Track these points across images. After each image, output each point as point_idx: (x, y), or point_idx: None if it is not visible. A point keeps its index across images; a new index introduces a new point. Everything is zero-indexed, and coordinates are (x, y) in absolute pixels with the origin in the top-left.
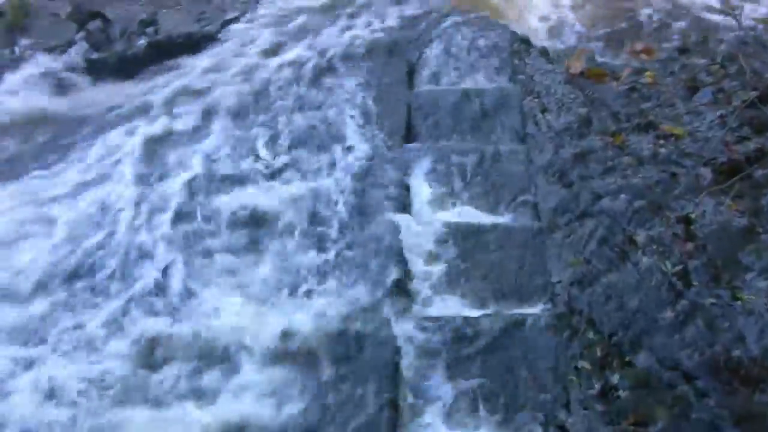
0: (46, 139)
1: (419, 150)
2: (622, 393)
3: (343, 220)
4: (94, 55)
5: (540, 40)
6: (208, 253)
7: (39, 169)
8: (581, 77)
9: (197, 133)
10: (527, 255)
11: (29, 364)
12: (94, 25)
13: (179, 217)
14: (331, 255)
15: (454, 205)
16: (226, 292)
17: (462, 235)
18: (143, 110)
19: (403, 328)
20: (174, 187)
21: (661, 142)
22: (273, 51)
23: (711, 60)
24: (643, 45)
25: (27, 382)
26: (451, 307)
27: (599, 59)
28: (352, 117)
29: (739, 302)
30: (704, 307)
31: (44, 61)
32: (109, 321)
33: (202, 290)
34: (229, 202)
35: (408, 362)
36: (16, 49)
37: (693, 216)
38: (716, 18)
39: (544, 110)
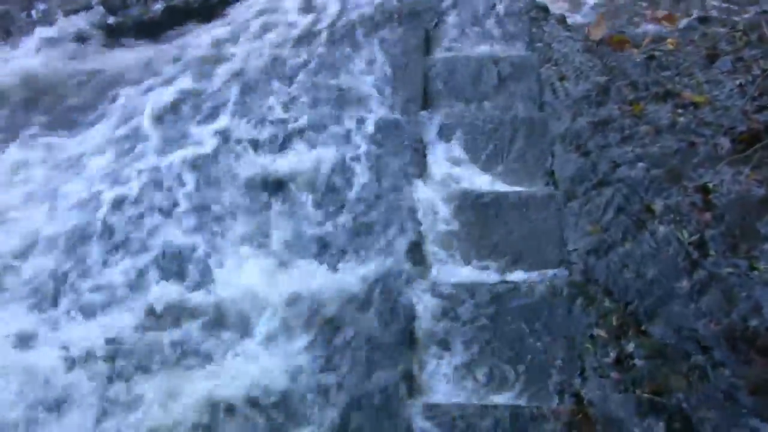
0: (64, 102)
1: (436, 117)
2: (637, 362)
3: (360, 186)
4: (111, 20)
5: (558, 7)
6: (225, 217)
7: (59, 130)
8: (601, 44)
9: (214, 96)
10: (544, 223)
11: (47, 325)
12: None
13: (197, 180)
14: (347, 220)
15: (470, 172)
16: (243, 255)
17: (479, 202)
18: (160, 73)
19: (418, 294)
20: (191, 151)
21: (680, 111)
22: (290, 17)
23: (732, 28)
24: (665, 12)
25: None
26: (467, 273)
27: (619, 26)
28: (369, 83)
29: (756, 272)
30: (721, 276)
31: (61, 25)
32: (126, 283)
33: (220, 253)
34: (246, 165)
35: (423, 327)
36: (33, 13)
37: (711, 185)
38: None
39: (561, 78)
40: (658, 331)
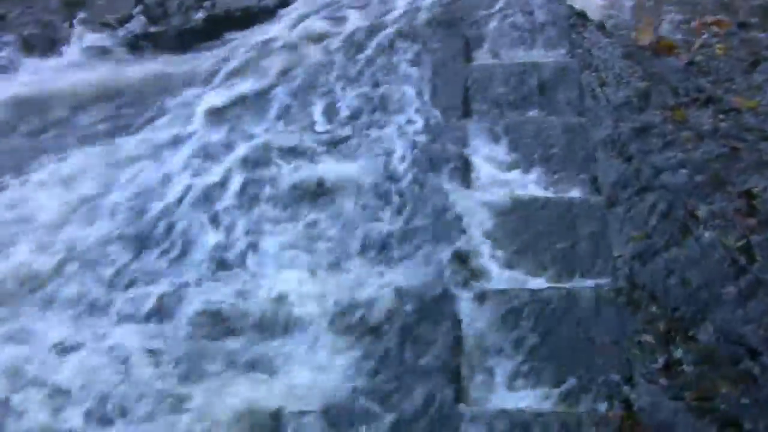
0: (105, 112)
1: (477, 124)
2: (686, 367)
3: (403, 193)
4: (152, 29)
5: (597, 13)
6: (270, 224)
7: (99, 140)
8: (645, 50)
9: (256, 106)
10: (588, 229)
11: (95, 332)
12: None
13: (241, 187)
14: (390, 227)
15: (513, 178)
16: (288, 261)
17: (522, 209)
18: (201, 84)
19: (463, 301)
20: (234, 159)
21: (722, 116)
22: (331, 25)
23: None
24: (714, 17)
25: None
26: (512, 280)
27: (665, 31)
28: (410, 91)
29: None
30: None
31: (102, 35)
32: (172, 290)
33: (265, 259)
34: (290, 173)
35: (469, 334)
36: (75, 23)
37: (755, 191)
38: None
39: (602, 84)
40: (705, 336)
